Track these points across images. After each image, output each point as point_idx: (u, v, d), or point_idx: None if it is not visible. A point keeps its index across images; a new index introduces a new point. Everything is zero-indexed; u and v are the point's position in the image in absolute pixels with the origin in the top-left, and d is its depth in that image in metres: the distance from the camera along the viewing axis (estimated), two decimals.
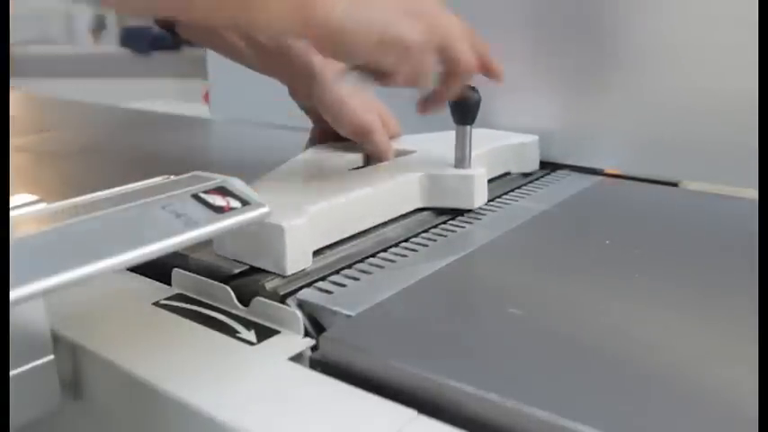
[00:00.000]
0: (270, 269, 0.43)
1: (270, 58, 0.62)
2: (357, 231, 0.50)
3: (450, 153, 0.55)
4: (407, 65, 0.44)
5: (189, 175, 0.37)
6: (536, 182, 0.65)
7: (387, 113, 0.64)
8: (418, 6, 0.44)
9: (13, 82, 0.39)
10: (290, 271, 0.43)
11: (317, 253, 0.45)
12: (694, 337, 0.36)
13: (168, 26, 0.64)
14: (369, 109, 0.61)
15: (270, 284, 0.42)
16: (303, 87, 0.61)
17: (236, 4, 0.40)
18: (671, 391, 0.31)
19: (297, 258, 0.43)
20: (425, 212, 0.55)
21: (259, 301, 0.40)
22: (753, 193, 0.56)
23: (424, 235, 0.51)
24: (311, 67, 0.60)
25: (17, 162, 0.78)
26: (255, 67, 0.64)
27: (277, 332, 0.38)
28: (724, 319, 0.38)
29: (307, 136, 0.67)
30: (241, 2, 0.40)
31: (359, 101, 0.60)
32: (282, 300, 0.41)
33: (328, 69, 0.59)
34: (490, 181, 0.58)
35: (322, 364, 0.36)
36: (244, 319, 0.40)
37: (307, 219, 0.44)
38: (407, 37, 0.43)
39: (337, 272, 0.44)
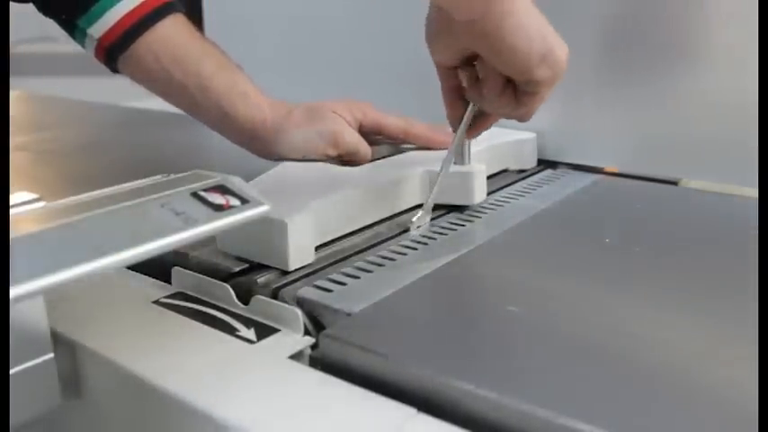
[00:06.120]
0: (273, 265, 0.43)
1: (214, 125, 0.60)
2: (358, 227, 0.50)
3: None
4: (553, 86, 0.45)
5: (188, 173, 0.37)
6: (535, 180, 0.65)
7: (357, 109, 0.60)
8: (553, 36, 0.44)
9: (12, 80, 0.39)
10: (292, 266, 0.43)
11: (317, 249, 0.46)
12: (693, 335, 0.36)
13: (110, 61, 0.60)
14: (327, 129, 0.58)
15: (262, 279, 0.42)
16: (260, 149, 0.59)
17: None
18: (670, 389, 0.31)
19: (299, 254, 0.43)
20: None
21: (258, 299, 0.40)
22: (753, 192, 0.56)
23: (424, 233, 0.51)
24: (255, 130, 0.58)
25: (17, 160, 0.78)
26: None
27: (277, 330, 0.38)
28: (723, 318, 0.38)
29: None
30: None
31: (312, 140, 0.58)
32: (275, 295, 0.41)
33: (270, 125, 0.57)
34: (488, 178, 0.58)
35: (322, 363, 0.36)
36: (243, 317, 0.40)
37: (309, 215, 0.44)
38: (565, 60, 0.43)
39: (336, 268, 0.44)
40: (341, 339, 0.36)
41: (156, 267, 0.44)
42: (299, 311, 0.39)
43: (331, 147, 0.58)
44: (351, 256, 0.47)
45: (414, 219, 0.51)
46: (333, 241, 0.48)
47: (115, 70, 0.61)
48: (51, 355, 0.34)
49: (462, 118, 0.51)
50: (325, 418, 0.31)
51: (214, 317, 0.40)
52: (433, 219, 0.53)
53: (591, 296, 0.41)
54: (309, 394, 0.32)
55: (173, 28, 0.58)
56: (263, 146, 0.59)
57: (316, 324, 0.39)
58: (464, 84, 0.48)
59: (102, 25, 0.57)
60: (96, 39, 0.58)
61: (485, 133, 0.53)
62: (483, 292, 0.44)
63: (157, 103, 0.68)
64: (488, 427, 0.30)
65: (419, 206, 0.54)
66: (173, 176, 0.37)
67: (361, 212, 0.50)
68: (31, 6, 0.60)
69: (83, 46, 0.60)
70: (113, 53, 0.58)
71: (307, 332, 0.38)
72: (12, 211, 0.31)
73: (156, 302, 0.42)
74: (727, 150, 0.60)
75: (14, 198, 0.32)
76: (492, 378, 0.31)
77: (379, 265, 0.45)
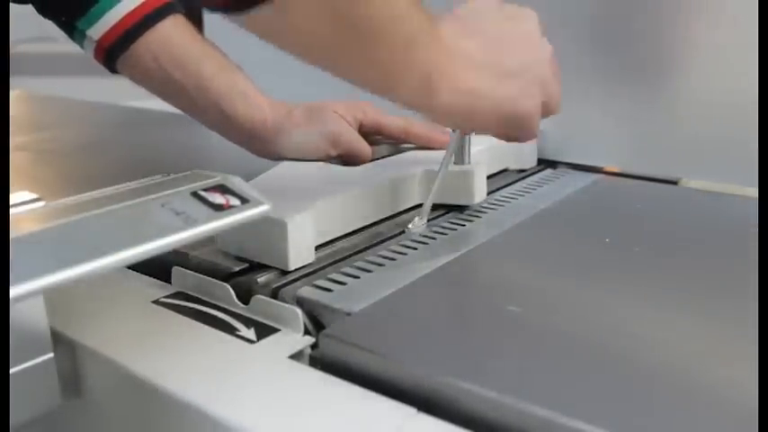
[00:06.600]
0: (273, 265, 0.43)
1: (214, 126, 0.60)
2: (358, 227, 0.50)
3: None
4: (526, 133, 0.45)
5: (188, 173, 0.37)
6: (535, 180, 0.65)
7: (357, 108, 0.62)
8: (539, 69, 0.44)
9: (12, 80, 0.39)
10: (292, 266, 0.43)
11: (317, 249, 0.46)
12: (694, 335, 0.36)
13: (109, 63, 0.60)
14: (327, 129, 0.59)
15: (262, 279, 0.42)
16: (259, 149, 0.60)
17: (375, 77, 0.40)
18: (670, 389, 0.31)
19: (299, 254, 0.43)
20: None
21: (258, 299, 0.40)
22: (753, 192, 0.56)
23: (424, 232, 0.51)
24: (255, 130, 0.58)
25: (17, 160, 0.77)
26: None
27: (277, 330, 0.38)
28: (723, 318, 0.38)
29: None
30: (379, 75, 0.40)
31: (312, 140, 0.58)
32: (275, 294, 0.41)
33: (270, 126, 0.58)
34: (488, 177, 0.58)
35: (322, 362, 0.36)
36: (243, 317, 0.40)
37: (309, 214, 0.44)
38: (532, 112, 0.43)
39: (336, 268, 0.44)
40: (341, 339, 0.36)
41: (156, 267, 0.44)
42: (298, 311, 0.39)
43: (331, 146, 0.59)
44: (351, 255, 0.47)
45: (410, 225, 0.50)
46: (333, 241, 0.48)
47: (114, 71, 0.61)
48: (51, 354, 0.34)
49: None
50: (325, 418, 0.31)
51: (214, 317, 0.40)
52: (433, 218, 0.53)
53: (591, 296, 0.41)
54: (309, 394, 0.32)
55: (173, 28, 0.58)
56: (263, 146, 0.59)
57: (316, 324, 0.39)
58: None
59: (103, 26, 0.57)
60: (96, 40, 0.58)
61: None
62: (483, 291, 0.44)
63: (157, 103, 0.68)
64: (488, 426, 0.30)
65: (419, 206, 0.54)
66: (173, 176, 0.37)
67: (362, 212, 0.50)
68: (30, 6, 0.60)
69: (81, 47, 0.60)
70: (113, 54, 0.58)
71: (307, 332, 0.38)
72: (12, 211, 0.31)
73: (156, 302, 0.42)
74: (727, 150, 0.60)
75: (14, 198, 0.32)
76: (492, 378, 0.31)
77: (379, 264, 0.45)
